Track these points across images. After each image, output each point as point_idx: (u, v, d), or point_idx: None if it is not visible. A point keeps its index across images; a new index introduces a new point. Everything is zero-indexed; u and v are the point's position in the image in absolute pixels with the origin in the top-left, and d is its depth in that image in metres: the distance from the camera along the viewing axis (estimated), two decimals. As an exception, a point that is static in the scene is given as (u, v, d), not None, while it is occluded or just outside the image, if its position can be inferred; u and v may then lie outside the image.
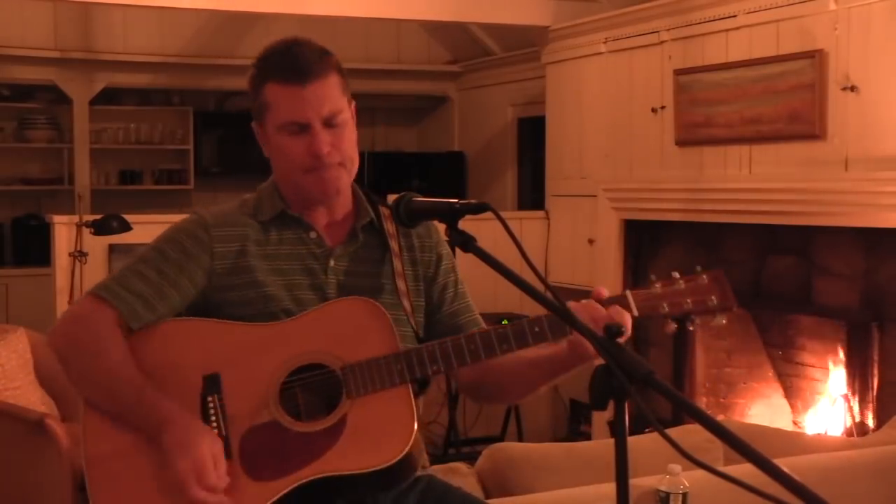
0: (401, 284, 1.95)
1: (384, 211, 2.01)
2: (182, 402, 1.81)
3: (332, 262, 1.94)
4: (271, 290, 1.89)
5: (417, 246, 2.01)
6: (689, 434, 2.48)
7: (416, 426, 1.80)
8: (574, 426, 6.21)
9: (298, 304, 1.89)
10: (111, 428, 1.84)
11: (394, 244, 1.97)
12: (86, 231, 5.42)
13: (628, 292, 1.82)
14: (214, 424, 1.81)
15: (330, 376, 1.81)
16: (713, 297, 1.83)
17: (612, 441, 1.43)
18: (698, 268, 1.86)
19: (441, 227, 1.88)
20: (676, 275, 1.86)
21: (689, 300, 1.83)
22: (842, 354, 4.63)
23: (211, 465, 1.76)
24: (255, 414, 1.81)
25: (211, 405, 1.81)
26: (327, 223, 1.98)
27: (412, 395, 1.82)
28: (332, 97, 1.91)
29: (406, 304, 1.95)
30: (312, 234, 1.96)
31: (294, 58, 1.90)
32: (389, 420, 1.79)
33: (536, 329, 1.79)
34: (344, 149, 1.92)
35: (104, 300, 1.87)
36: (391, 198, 1.93)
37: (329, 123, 1.90)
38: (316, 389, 1.82)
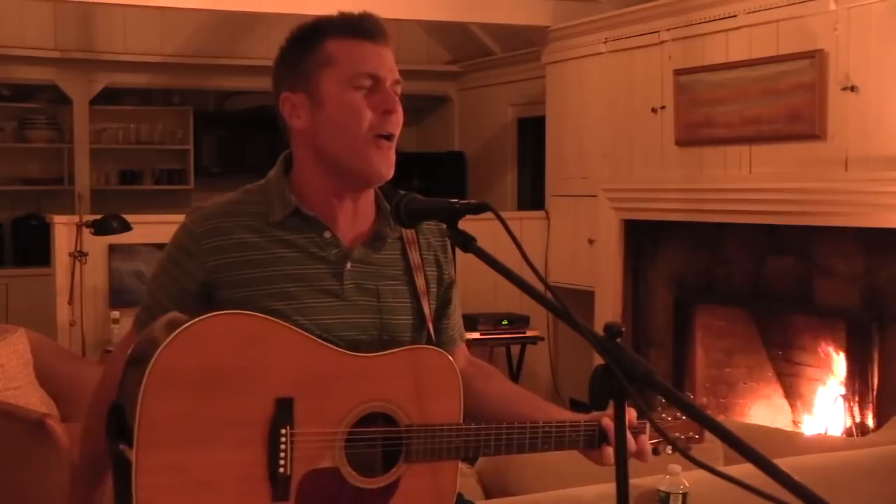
0: (425, 306, 1.86)
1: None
2: (248, 418, 1.65)
3: (348, 265, 1.80)
4: (271, 304, 1.75)
5: (437, 245, 1.91)
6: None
7: (454, 499, 1.82)
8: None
9: (305, 315, 1.77)
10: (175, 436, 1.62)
11: (414, 255, 1.86)
12: (86, 231, 5.42)
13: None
14: (283, 461, 1.66)
15: (394, 433, 1.75)
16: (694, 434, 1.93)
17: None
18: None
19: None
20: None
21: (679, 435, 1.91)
22: (842, 354, 4.63)
23: None
24: (319, 457, 1.69)
25: (283, 438, 1.66)
26: (349, 221, 1.82)
27: (458, 467, 1.83)
28: (395, 68, 1.78)
29: (431, 327, 1.87)
30: (327, 235, 1.80)
31: (364, 18, 1.78)
32: (437, 490, 1.79)
33: (575, 435, 1.84)
34: (400, 124, 1.79)
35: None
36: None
37: (395, 91, 1.77)
38: (377, 443, 1.75)
